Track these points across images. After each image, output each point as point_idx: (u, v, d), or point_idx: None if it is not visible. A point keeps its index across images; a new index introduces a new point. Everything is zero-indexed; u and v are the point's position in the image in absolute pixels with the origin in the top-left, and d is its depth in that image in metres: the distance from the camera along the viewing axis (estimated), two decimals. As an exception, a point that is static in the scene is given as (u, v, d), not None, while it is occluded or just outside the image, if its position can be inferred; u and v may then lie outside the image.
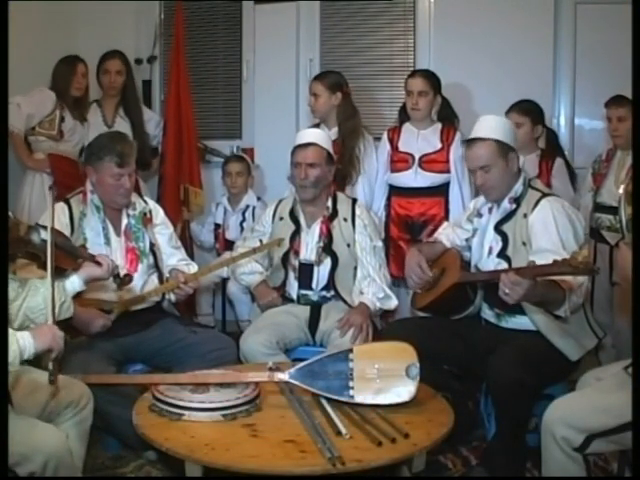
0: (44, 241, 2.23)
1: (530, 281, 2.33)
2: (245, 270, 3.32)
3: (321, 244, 3.19)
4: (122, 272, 2.66)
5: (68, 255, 2.37)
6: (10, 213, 2.23)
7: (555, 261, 2.26)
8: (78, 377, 2.36)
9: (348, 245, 3.19)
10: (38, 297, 2.20)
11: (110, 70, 4.05)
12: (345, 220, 3.22)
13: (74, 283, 2.36)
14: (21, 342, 1.96)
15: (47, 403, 2.19)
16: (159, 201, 4.12)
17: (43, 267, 2.23)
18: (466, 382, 3.00)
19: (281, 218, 3.29)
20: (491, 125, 2.75)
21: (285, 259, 3.22)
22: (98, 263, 2.43)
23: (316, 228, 3.22)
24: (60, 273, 2.31)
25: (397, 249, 3.76)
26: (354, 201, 3.32)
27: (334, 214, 3.23)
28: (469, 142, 2.78)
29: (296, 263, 3.21)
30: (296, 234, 3.23)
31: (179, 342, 2.87)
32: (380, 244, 3.29)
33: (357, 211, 3.25)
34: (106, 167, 2.81)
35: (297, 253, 3.21)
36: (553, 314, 2.54)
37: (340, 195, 3.32)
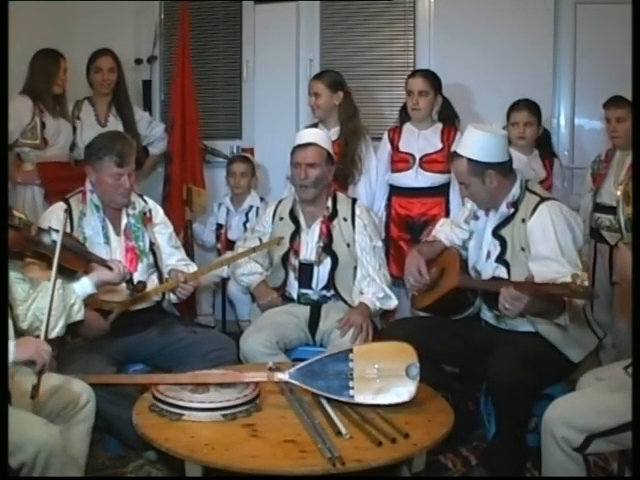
0: (54, 242, 2.24)
1: (530, 297, 2.33)
2: (244, 271, 3.32)
3: (321, 244, 3.19)
4: (135, 279, 2.67)
5: (79, 257, 2.38)
6: (23, 215, 2.25)
7: (554, 283, 2.26)
8: (78, 377, 2.36)
9: (348, 245, 3.19)
10: (48, 298, 2.20)
11: (102, 68, 3.98)
12: (345, 220, 3.22)
13: (85, 286, 2.37)
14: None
15: (45, 403, 2.19)
16: (165, 202, 4.13)
17: (51, 268, 2.24)
18: (466, 382, 3.00)
19: (281, 218, 3.29)
20: (468, 141, 2.70)
21: (285, 259, 3.22)
22: (109, 267, 2.44)
23: (316, 228, 3.22)
24: (70, 275, 2.32)
25: (397, 249, 3.76)
26: (354, 201, 3.32)
27: (334, 214, 3.23)
28: (452, 154, 2.79)
29: (296, 263, 3.21)
30: (296, 234, 3.23)
31: (179, 342, 2.88)
32: (380, 244, 3.29)
33: (357, 211, 3.25)
34: (106, 167, 2.81)
35: (297, 253, 3.21)
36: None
37: (340, 195, 3.33)
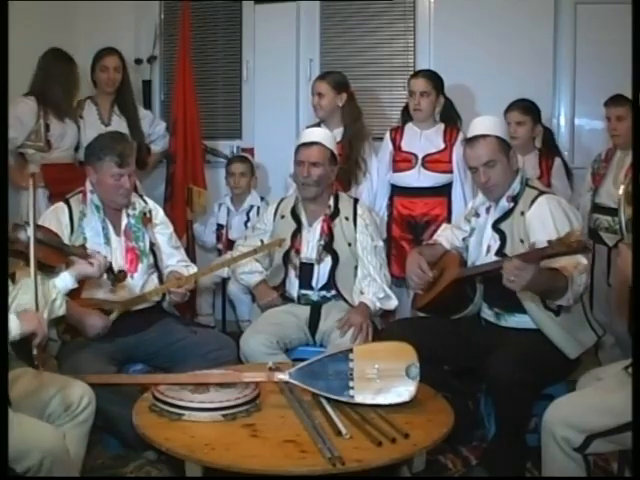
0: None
1: (535, 265, 2.32)
2: (245, 270, 3.32)
3: (322, 242, 3.19)
4: (116, 269, 2.66)
5: (57, 252, 2.36)
6: None
7: (549, 241, 2.27)
8: (78, 377, 2.37)
9: (349, 244, 3.20)
10: (29, 294, 2.19)
11: (109, 66, 3.97)
12: (347, 219, 3.22)
13: (65, 280, 2.35)
14: (12, 324, 2.00)
15: (47, 404, 2.20)
16: (167, 203, 4.13)
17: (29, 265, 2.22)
18: (466, 382, 3.00)
19: (282, 216, 3.29)
20: (490, 123, 2.80)
21: (286, 257, 3.22)
22: (90, 262, 2.43)
23: (317, 226, 3.22)
24: (50, 270, 2.31)
25: (399, 249, 3.75)
26: (356, 200, 3.32)
27: (336, 213, 3.23)
28: (470, 140, 2.79)
29: (297, 261, 3.21)
30: (297, 232, 3.23)
31: (179, 342, 2.88)
32: (381, 244, 3.29)
33: (359, 210, 3.25)
34: (106, 167, 2.81)
35: (298, 251, 3.22)
36: (556, 306, 2.55)
37: (342, 194, 3.33)
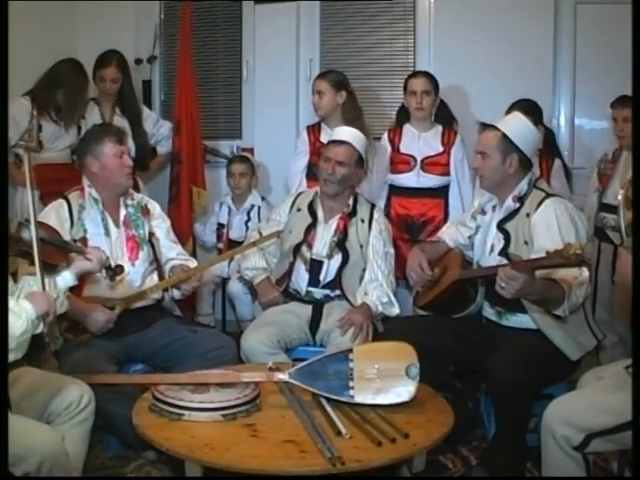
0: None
1: (526, 276, 2.33)
2: (249, 265, 3.33)
3: (335, 239, 3.20)
4: (113, 263, 2.67)
5: (59, 250, 2.37)
6: None
7: (548, 253, 2.27)
8: (79, 377, 2.37)
9: (361, 246, 3.19)
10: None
11: (106, 79, 3.97)
12: (362, 221, 3.23)
13: (66, 278, 2.36)
14: (26, 308, 2.04)
15: (47, 404, 2.20)
16: (171, 204, 4.13)
17: (33, 264, 2.23)
18: (466, 382, 3.00)
19: (299, 209, 3.29)
20: (511, 121, 2.78)
21: (296, 250, 3.22)
22: (88, 258, 2.44)
23: (333, 223, 3.23)
24: (51, 269, 2.32)
25: (396, 248, 3.71)
26: (373, 205, 3.33)
27: (353, 213, 3.24)
28: (483, 125, 2.80)
29: (307, 256, 3.21)
30: (312, 227, 3.23)
31: (179, 341, 2.88)
32: (392, 251, 3.28)
33: (375, 215, 3.26)
34: (108, 148, 2.88)
35: (310, 246, 3.21)
36: (552, 313, 2.54)
37: (361, 197, 3.33)
